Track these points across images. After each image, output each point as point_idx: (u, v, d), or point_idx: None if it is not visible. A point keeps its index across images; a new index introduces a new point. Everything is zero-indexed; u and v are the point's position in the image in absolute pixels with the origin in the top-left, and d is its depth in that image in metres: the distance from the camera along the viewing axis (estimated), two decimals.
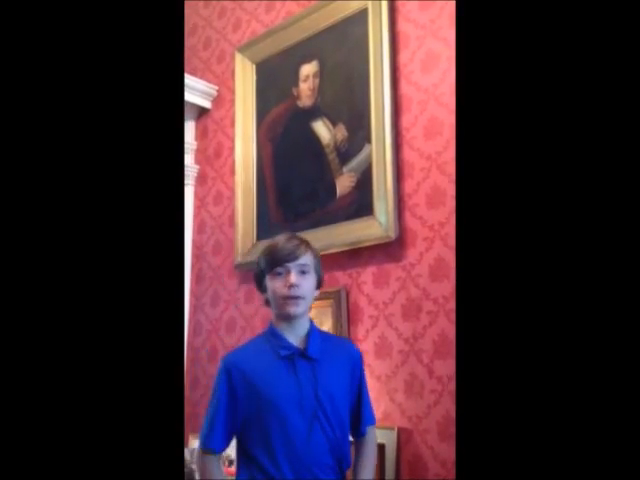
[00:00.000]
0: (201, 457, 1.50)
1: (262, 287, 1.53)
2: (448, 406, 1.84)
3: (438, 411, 1.85)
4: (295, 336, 1.49)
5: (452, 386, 1.84)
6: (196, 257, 2.76)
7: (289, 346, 1.47)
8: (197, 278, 2.74)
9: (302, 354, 1.47)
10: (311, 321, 1.55)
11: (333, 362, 1.50)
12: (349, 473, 1.53)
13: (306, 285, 1.47)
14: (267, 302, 1.54)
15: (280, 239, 1.52)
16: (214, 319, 2.64)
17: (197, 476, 2.22)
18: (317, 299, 2.14)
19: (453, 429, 1.81)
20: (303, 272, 1.47)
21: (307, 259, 1.49)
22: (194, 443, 2.37)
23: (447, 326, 1.88)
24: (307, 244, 1.52)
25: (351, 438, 1.55)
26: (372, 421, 1.57)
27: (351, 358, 1.54)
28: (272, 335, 1.51)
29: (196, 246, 2.78)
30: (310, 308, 1.57)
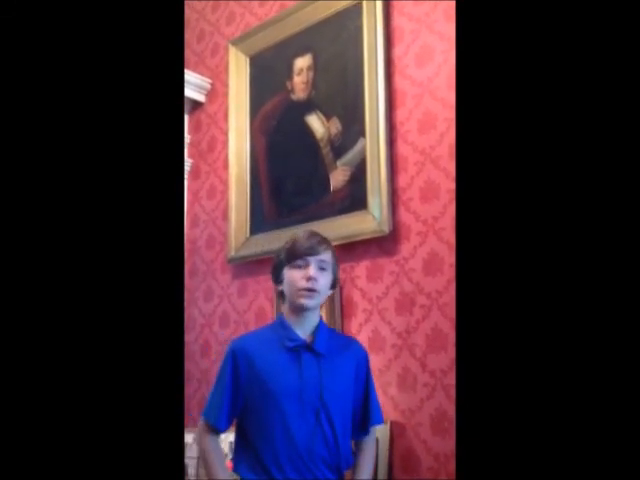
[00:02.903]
0: (204, 437, 1.51)
1: (278, 278, 1.55)
2: (441, 400, 1.84)
3: (431, 405, 1.86)
4: (303, 330, 1.51)
5: (445, 380, 1.84)
6: (189, 251, 2.75)
7: (296, 338, 1.49)
8: (190, 272, 2.73)
9: (309, 348, 1.48)
10: (320, 317, 1.56)
11: (339, 359, 1.51)
12: (348, 473, 1.52)
13: (323, 281, 1.50)
14: (280, 294, 1.56)
15: (302, 234, 1.55)
16: (207, 313, 2.63)
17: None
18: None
19: (446, 423, 1.82)
20: (322, 268, 1.50)
21: (327, 256, 1.52)
22: (188, 437, 2.37)
23: (440, 320, 1.88)
24: (328, 243, 1.56)
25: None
26: (379, 421, 1.57)
27: (356, 357, 1.55)
28: (281, 326, 1.53)
29: (189, 240, 2.77)
30: (322, 306, 1.59)
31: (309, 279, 1.47)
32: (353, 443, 1.57)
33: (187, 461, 2.33)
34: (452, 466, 1.78)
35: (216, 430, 1.51)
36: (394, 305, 2.01)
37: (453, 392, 1.81)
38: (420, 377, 1.90)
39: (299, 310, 1.50)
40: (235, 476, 1.48)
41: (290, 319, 1.52)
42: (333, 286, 1.57)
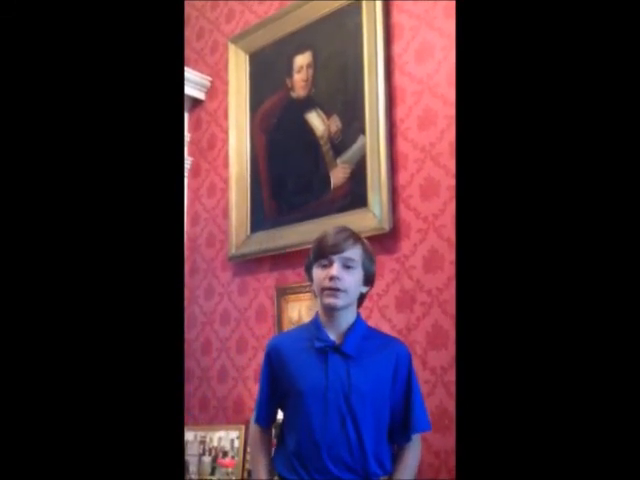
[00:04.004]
0: (251, 431, 1.58)
1: (310, 277, 1.51)
2: (441, 397, 1.84)
3: (432, 402, 1.86)
4: (336, 330, 1.47)
5: (446, 377, 1.85)
6: (190, 249, 2.76)
7: (325, 339, 1.46)
8: (191, 270, 2.73)
9: (337, 349, 1.44)
10: (358, 316, 1.51)
11: (373, 360, 1.45)
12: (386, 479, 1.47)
13: (349, 279, 1.43)
14: (314, 293, 1.52)
15: (330, 231, 1.49)
16: (208, 311, 2.63)
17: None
18: (312, 291, 2.15)
19: (446, 420, 1.82)
20: (347, 266, 1.44)
21: (354, 253, 1.45)
22: (188, 435, 2.37)
23: (441, 317, 1.88)
24: (357, 238, 1.48)
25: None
26: (423, 427, 1.49)
27: (396, 357, 1.47)
28: (313, 326, 1.51)
29: (190, 238, 2.77)
30: (360, 304, 1.52)
31: (332, 279, 1.42)
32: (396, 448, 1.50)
33: (188, 459, 2.33)
34: (452, 463, 1.79)
35: (260, 426, 1.54)
36: (394, 302, 2.01)
37: (453, 389, 1.81)
38: (421, 374, 1.90)
39: (328, 310, 1.47)
40: (274, 472, 1.49)
41: (322, 319, 1.49)
42: (368, 282, 1.50)
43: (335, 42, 2.28)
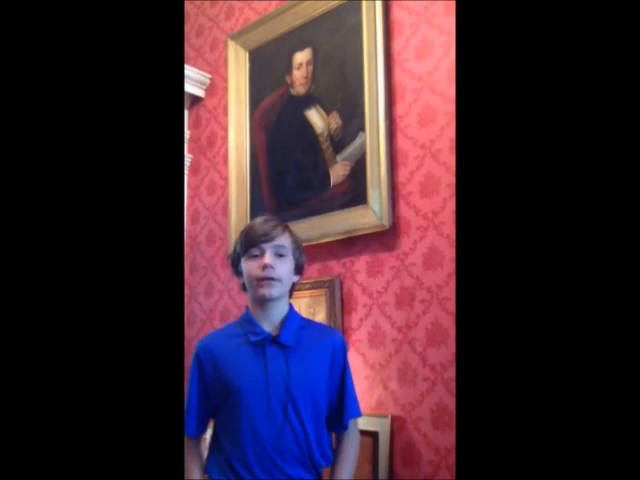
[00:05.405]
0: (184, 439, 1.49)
1: (238, 270, 1.49)
2: (441, 394, 1.84)
3: (431, 399, 1.86)
4: (270, 322, 1.44)
5: (445, 374, 1.85)
6: (190, 247, 2.76)
7: (260, 332, 1.43)
8: (191, 268, 2.73)
9: (274, 340, 1.41)
10: (291, 307, 1.50)
11: (311, 350, 1.44)
12: (327, 471, 1.47)
13: (282, 268, 1.42)
14: (244, 287, 1.49)
15: (257, 221, 1.48)
16: (208, 309, 2.64)
17: None
18: (311, 288, 2.15)
19: (446, 417, 1.82)
20: (280, 255, 1.42)
21: (284, 241, 1.44)
22: None
23: (440, 314, 1.88)
24: (285, 227, 1.47)
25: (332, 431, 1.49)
26: (356, 414, 1.49)
27: (332, 347, 1.47)
28: (246, 320, 1.47)
29: (190, 236, 2.77)
30: (291, 294, 1.51)
31: (265, 267, 1.39)
32: (334, 438, 1.51)
33: None
34: (452, 460, 1.79)
35: (188, 437, 1.46)
36: (394, 300, 2.01)
37: (453, 386, 1.81)
38: (420, 371, 1.90)
39: (262, 302, 1.43)
40: (207, 477, 1.44)
41: (255, 312, 1.45)
42: (298, 271, 1.49)
43: (335, 39, 2.28)
